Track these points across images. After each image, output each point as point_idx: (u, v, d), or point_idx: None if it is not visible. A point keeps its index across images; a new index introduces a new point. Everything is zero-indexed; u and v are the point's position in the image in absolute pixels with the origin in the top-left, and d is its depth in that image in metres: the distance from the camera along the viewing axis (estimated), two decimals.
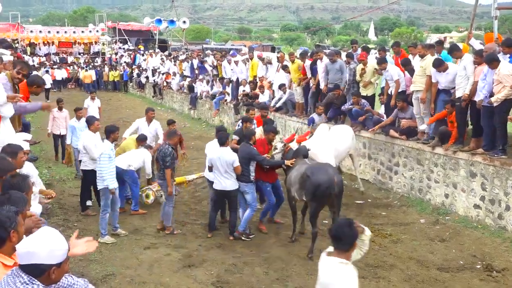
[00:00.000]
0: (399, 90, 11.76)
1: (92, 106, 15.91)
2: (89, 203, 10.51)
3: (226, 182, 8.91)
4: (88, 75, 35.95)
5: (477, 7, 11.85)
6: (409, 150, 11.44)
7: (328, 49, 20.45)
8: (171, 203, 9.33)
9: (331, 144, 10.95)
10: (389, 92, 12.19)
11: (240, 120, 11.49)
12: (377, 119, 12.41)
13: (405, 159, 11.59)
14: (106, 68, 37.49)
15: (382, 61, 12.09)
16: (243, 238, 9.04)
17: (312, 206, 8.29)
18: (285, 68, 16.29)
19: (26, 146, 6.60)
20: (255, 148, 9.12)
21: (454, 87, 10.29)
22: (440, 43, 11.97)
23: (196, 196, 11.47)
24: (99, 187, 9.07)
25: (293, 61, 15.69)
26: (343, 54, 14.73)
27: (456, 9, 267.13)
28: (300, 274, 7.68)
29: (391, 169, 12.05)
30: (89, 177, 10.22)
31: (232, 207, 9.23)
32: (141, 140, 11.00)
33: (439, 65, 10.35)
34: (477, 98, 9.51)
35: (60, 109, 14.15)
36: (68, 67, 38.52)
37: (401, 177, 11.76)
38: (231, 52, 23.14)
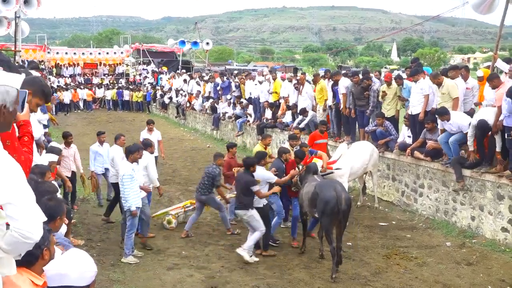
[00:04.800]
0: (428, 109, 11.59)
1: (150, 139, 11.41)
2: None
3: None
4: (89, 94, 38.66)
5: (502, 28, 11.66)
6: (434, 171, 11.29)
7: (350, 70, 20.44)
8: (223, 208, 10.64)
9: (346, 161, 11.31)
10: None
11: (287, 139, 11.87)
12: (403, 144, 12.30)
13: (430, 180, 11.44)
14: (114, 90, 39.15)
15: (415, 72, 11.82)
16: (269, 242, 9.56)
17: (323, 223, 8.39)
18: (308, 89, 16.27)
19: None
20: (273, 167, 9.67)
21: (461, 131, 10.25)
22: (444, 72, 11.84)
23: (219, 218, 11.39)
24: (125, 208, 9.10)
25: (315, 83, 15.71)
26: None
27: (480, 30, 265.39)
28: None
29: (416, 191, 11.90)
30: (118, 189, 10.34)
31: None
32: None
33: (442, 114, 10.36)
34: (499, 118, 9.37)
35: (67, 145, 11.52)
36: (91, 88, 39.69)
37: (426, 199, 11.60)
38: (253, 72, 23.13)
